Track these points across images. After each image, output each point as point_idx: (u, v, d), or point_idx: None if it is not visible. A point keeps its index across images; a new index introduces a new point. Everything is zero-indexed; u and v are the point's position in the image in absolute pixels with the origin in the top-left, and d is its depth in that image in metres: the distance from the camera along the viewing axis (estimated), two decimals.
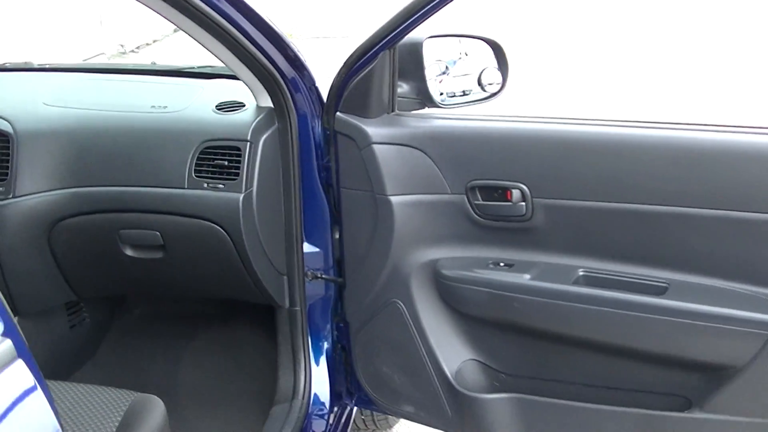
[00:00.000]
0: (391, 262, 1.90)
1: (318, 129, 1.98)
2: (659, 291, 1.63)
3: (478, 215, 1.80)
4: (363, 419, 2.55)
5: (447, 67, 1.98)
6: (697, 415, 1.65)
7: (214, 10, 1.66)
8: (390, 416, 2.60)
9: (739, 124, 1.62)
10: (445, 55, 1.95)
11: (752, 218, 1.54)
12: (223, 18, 1.70)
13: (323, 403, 2.14)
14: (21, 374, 1.00)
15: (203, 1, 1.63)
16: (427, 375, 1.94)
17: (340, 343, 2.15)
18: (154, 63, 2.87)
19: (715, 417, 1.64)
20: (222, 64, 1.91)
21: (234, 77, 2.06)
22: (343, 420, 2.23)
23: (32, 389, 1.02)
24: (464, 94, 1.99)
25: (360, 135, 1.85)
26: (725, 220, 1.56)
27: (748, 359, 1.55)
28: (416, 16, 1.69)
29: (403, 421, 2.69)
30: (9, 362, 0.99)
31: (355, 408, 2.29)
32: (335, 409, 2.19)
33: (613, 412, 1.76)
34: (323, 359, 2.15)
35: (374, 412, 2.52)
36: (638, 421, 1.74)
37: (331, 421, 2.17)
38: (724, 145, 1.60)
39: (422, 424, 2.06)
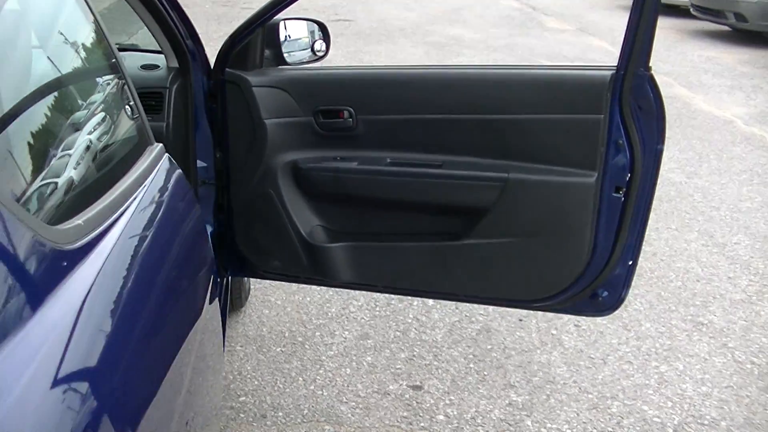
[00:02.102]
0: (264, 164, 2.85)
1: (205, 84, 2.93)
2: (437, 165, 2.75)
3: (321, 129, 2.82)
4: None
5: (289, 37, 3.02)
6: (465, 241, 2.76)
7: None
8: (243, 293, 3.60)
9: (469, 65, 2.80)
10: (294, 33, 2.99)
11: (481, 118, 2.69)
12: (161, 5, 2.65)
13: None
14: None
15: None
16: (289, 237, 2.91)
17: (220, 229, 3.07)
18: None
19: (475, 241, 2.74)
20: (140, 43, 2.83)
21: (150, 51, 2.99)
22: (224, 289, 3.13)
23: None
24: (300, 60, 3.04)
25: (243, 82, 2.81)
26: (471, 121, 2.71)
27: (492, 202, 2.69)
28: (279, 6, 2.72)
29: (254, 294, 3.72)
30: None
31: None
32: (218, 280, 3.08)
33: (411, 247, 2.82)
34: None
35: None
36: (429, 250, 2.81)
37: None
38: (464, 76, 2.75)
39: (285, 275, 3.00)
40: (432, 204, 2.75)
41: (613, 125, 2.47)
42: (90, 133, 1.57)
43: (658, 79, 2.37)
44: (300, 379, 3.27)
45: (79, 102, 1.61)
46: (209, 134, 2.92)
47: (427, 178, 2.71)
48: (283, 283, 3.97)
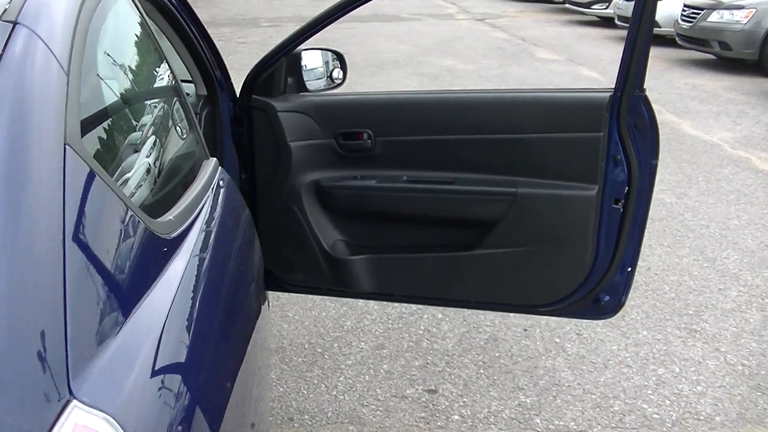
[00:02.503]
0: (289, 183, 3.09)
1: (231, 110, 3.17)
2: (450, 182, 2.99)
3: (342, 150, 3.05)
4: None
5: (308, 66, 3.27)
6: (476, 251, 2.99)
7: (191, 32, 2.86)
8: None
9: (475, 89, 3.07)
10: (313, 63, 3.24)
11: (489, 138, 2.94)
12: (195, 39, 2.90)
13: None
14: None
15: (186, 23, 2.83)
16: (313, 251, 3.14)
17: None
18: None
19: (486, 251, 2.97)
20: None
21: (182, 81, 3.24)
22: None
23: None
24: (321, 87, 3.30)
25: (269, 108, 3.05)
26: (480, 140, 2.96)
27: (502, 214, 2.93)
28: (299, 39, 2.97)
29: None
30: None
31: None
32: None
33: (427, 258, 3.05)
34: None
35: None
36: (443, 260, 3.04)
37: None
38: (473, 99, 3.01)
39: (308, 287, 3.23)
40: (445, 218, 2.99)
41: (611, 142, 2.71)
42: (165, 146, 1.82)
43: None
44: (322, 385, 3.49)
45: (160, 120, 1.87)
46: (235, 156, 3.16)
47: (441, 194, 2.95)
48: (299, 298, 4.20)
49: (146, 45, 1.98)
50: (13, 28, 1.29)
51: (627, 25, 2.66)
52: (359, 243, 3.11)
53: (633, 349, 3.82)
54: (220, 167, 2.18)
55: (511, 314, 4.08)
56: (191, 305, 1.43)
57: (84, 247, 1.17)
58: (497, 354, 3.75)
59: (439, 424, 3.22)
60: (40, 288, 1.05)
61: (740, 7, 11.54)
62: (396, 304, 4.17)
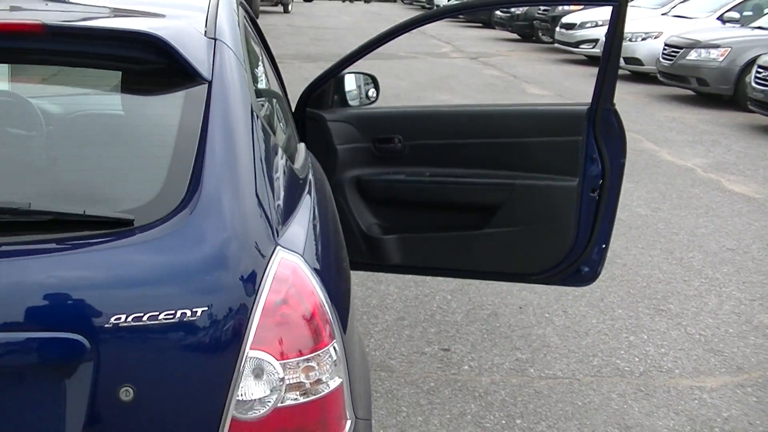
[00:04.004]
0: (335, 178, 3.90)
1: None
2: (463, 176, 3.81)
3: (378, 152, 3.86)
4: None
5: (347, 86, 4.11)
6: (483, 231, 3.78)
7: (270, 52, 3.71)
8: None
9: (491, 103, 3.91)
10: (354, 83, 4.08)
11: (494, 142, 3.76)
12: (271, 58, 3.75)
13: None
14: None
15: (266, 46, 3.67)
16: (353, 232, 3.93)
17: None
18: None
19: (490, 231, 3.76)
20: None
21: None
22: None
23: None
24: (360, 102, 4.13)
25: (320, 118, 3.87)
26: (487, 143, 3.77)
27: (503, 201, 3.73)
28: (342, 66, 3.81)
29: None
30: None
31: None
32: None
33: (444, 236, 3.82)
34: None
35: None
36: (457, 238, 3.82)
37: None
38: (481, 111, 3.84)
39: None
40: (459, 204, 3.80)
41: (588, 144, 3.52)
42: (287, 122, 2.70)
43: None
44: None
45: (281, 106, 2.74)
46: None
47: (455, 186, 3.76)
48: None
49: (263, 55, 2.83)
50: (215, 42, 2.12)
51: None
52: (390, 225, 3.92)
53: (609, 323, 4.64)
54: (306, 150, 3.01)
55: (508, 295, 4.89)
56: (323, 215, 2.24)
57: (269, 168, 2.00)
58: (497, 324, 4.56)
59: (452, 372, 4.02)
60: (249, 188, 1.86)
61: (716, 46, 12.48)
62: (413, 287, 4.98)
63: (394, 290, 4.97)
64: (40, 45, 1.96)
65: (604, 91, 3.43)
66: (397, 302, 4.83)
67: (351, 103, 3.99)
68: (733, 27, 14.30)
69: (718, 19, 15.28)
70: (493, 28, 26.22)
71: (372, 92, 4.12)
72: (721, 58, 12.34)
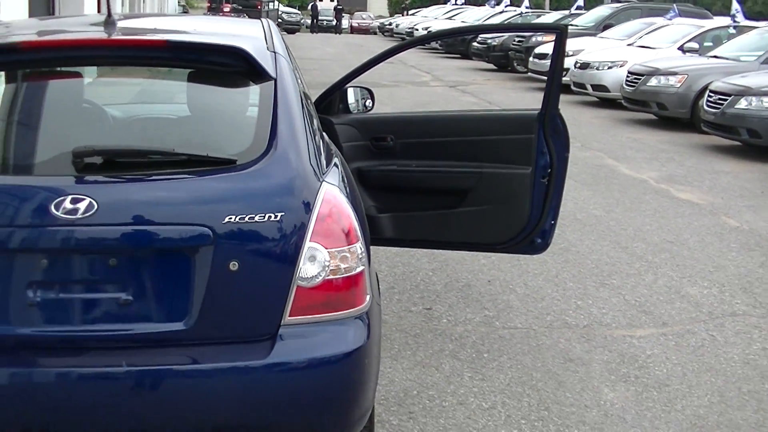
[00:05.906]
0: None
1: None
2: (441, 166, 4.84)
3: (375, 149, 4.88)
4: None
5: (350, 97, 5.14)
6: (458, 209, 4.82)
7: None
8: None
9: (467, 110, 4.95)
10: (354, 94, 5.11)
11: (466, 139, 4.80)
12: None
13: None
14: None
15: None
16: None
17: None
18: None
19: (463, 209, 4.78)
20: None
21: None
22: None
23: None
24: (359, 110, 5.17)
25: (329, 122, 4.88)
26: (459, 141, 4.81)
27: (473, 185, 4.75)
28: (345, 81, 4.85)
29: None
30: None
31: None
32: None
33: (428, 214, 4.83)
34: None
35: None
36: (437, 216, 4.83)
37: None
38: (455, 116, 4.89)
39: None
40: (439, 188, 4.83)
41: (539, 141, 4.56)
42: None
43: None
44: None
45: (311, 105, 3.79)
46: None
47: (436, 174, 4.80)
48: None
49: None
50: (274, 54, 3.16)
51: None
52: (384, 206, 4.92)
53: (562, 292, 5.68)
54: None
55: (479, 272, 5.92)
56: (346, 170, 3.27)
57: (314, 136, 3.03)
58: (470, 293, 5.59)
59: (434, 323, 5.04)
60: (303, 146, 2.88)
61: (674, 73, 13.65)
62: (400, 266, 6.00)
63: (385, 268, 5.99)
64: (163, 54, 3.00)
65: (551, 99, 4.48)
66: (388, 276, 5.85)
67: (353, 110, 5.02)
68: (692, 56, 15.47)
69: (678, 49, 16.47)
70: (471, 59, 27.37)
71: (369, 102, 5.16)
72: (679, 84, 13.49)
